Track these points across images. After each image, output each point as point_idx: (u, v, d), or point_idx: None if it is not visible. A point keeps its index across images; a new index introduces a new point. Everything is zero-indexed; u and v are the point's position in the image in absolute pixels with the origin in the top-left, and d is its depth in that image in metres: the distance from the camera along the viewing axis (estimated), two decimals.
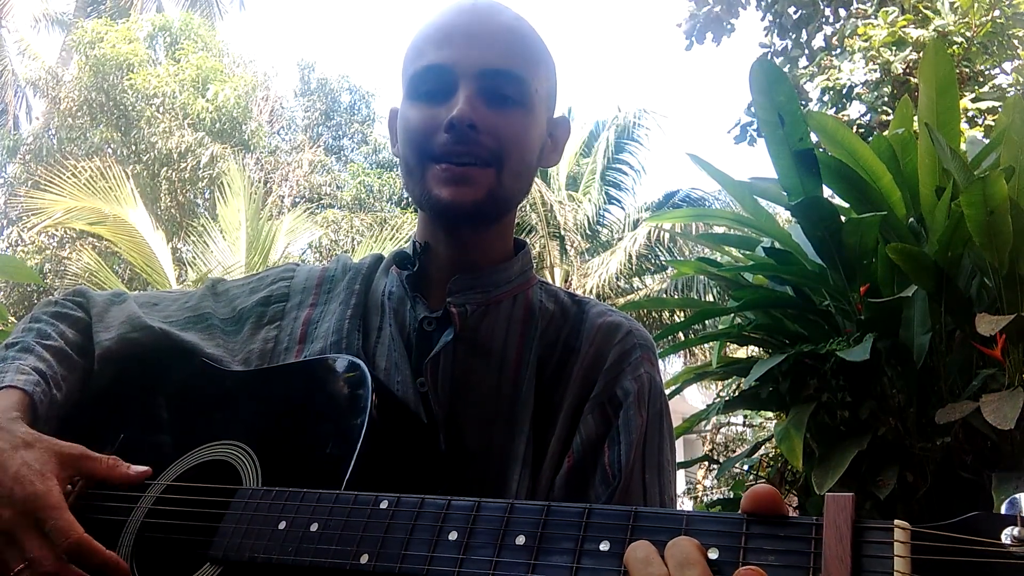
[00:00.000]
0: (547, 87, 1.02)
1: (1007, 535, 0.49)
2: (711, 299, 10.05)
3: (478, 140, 0.93)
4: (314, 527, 0.74)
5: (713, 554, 0.57)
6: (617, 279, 12.62)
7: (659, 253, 12.42)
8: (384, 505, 0.73)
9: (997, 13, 7.29)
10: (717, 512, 0.63)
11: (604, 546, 0.62)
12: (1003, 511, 0.51)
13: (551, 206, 13.08)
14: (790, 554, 0.55)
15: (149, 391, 1.03)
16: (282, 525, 0.76)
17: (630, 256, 12.27)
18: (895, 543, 0.52)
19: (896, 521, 0.53)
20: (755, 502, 0.58)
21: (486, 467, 0.94)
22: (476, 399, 0.97)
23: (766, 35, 10.37)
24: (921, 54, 6.95)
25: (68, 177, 9.81)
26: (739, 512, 0.59)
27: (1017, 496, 0.51)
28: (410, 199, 1.04)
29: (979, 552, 0.50)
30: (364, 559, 0.70)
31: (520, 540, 0.65)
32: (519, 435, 0.95)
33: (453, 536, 0.67)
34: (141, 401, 1.03)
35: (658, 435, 0.96)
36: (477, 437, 0.95)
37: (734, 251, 3.84)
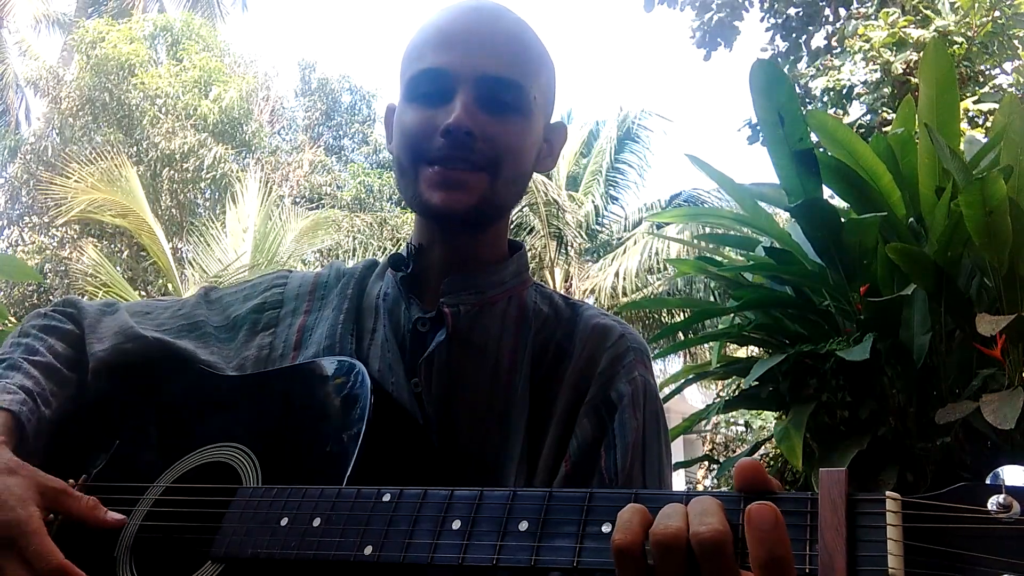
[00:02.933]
0: (546, 93, 1.02)
1: (993, 503, 0.52)
2: (712, 301, 10.04)
3: (474, 147, 0.92)
4: (316, 522, 0.74)
5: None
6: (625, 281, 12.62)
7: (660, 259, 12.41)
8: (387, 498, 0.73)
9: (997, 14, 7.30)
10: (716, 491, 0.65)
11: (606, 528, 0.63)
12: (988, 482, 0.54)
13: (552, 206, 13.09)
14: (788, 527, 0.57)
15: (144, 398, 1.03)
16: (284, 521, 0.76)
17: (628, 269, 12.30)
18: (887, 513, 0.54)
19: (888, 492, 0.55)
20: (745, 477, 0.60)
21: (481, 466, 0.94)
22: (470, 398, 0.97)
23: (768, 35, 10.38)
24: (921, 54, 6.97)
25: (74, 180, 9.83)
26: (734, 491, 0.61)
27: (1000, 469, 0.54)
28: (403, 198, 1.04)
29: (967, 519, 0.52)
30: (368, 551, 0.70)
31: (523, 526, 0.66)
32: (514, 434, 0.95)
33: (456, 525, 0.68)
34: (136, 408, 1.03)
35: (655, 437, 0.96)
36: (471, 436, 0.95)
37: (734, 252, 3.84)
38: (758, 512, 0.56)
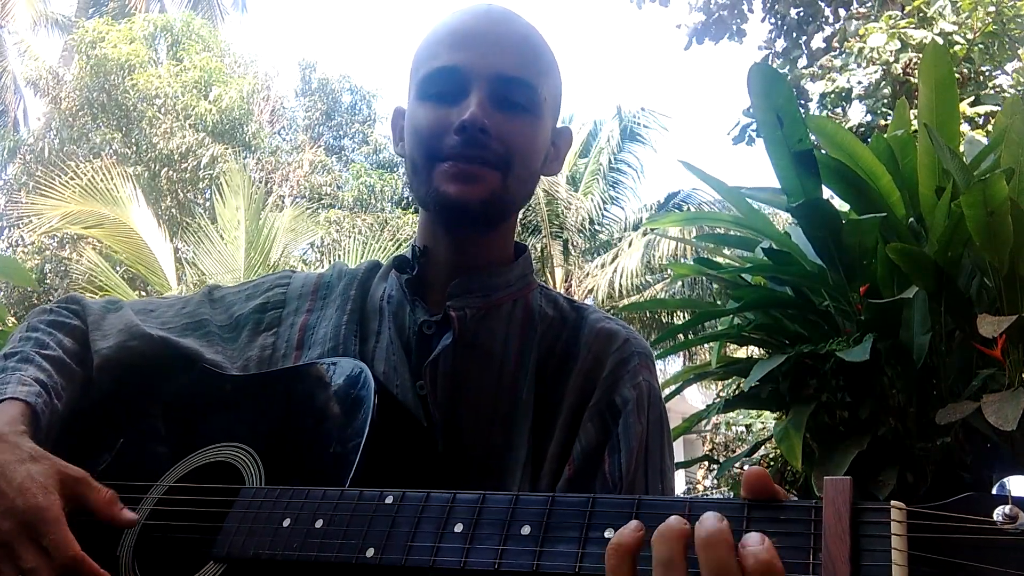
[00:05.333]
0: (554, 96, 1.03)
1: (999, 513, 0.52)
2: (712, 302, 10.03)
3: (488, 144, 0.93)
4: (319, 523, 0.74)
5: None
6: (624, 279, 12.63)
7: (659, 258, 12.41)
8: (389, 500, 0.73)
9: (1000, 18, 7.30)
10: (719, 498, 0.65)
11: (609, 533, 0.63)
12: (994, 492, 0.54)
13: (554, 205, 13.10)
14: (791, 535, 0.57)
15: (149, 397, 1.03)
16: (286, 522, 0.76)
17: (632, 267, 12.32)
18: (892, 522, 0.54)
19: (892, 502, 0.55)
20: (752, 486, 0.60)
21: (485, 470, 0.94)
22: (475, 402, 0.97)
23: (769, 36, 10.39)
24: (921, 55, 6.96)
25: (68, 180, 9.82)
26: (740, 498, 0.61)
27: (1007, 478, 0.55)
28: (413, 198, 1.04)
29: (972, 529, 0.52)
30: (370, 553, 0.70)
31: (526, 530, 0.66)
32: (518, 438, 0.95)
33: (459, 528, 0.68)
34: (140, 406, 1.03)
35: (658, 442, 0.96)
36: (476, 440, 0.96)
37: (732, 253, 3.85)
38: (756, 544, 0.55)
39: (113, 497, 0.85)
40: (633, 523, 0.60)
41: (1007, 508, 0.52)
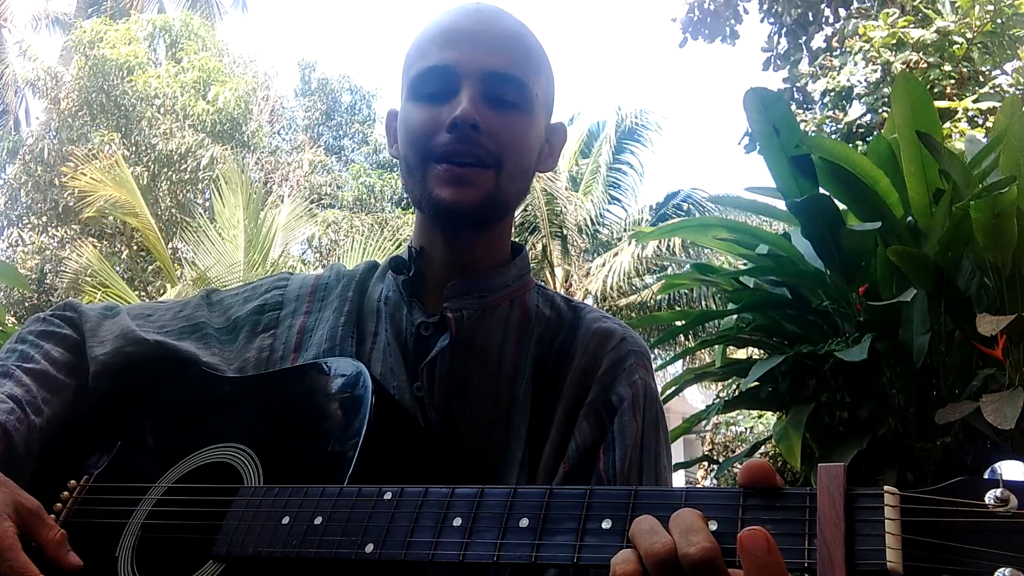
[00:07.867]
0: (546, 93, 1.03)
1: (990, 497, 0.53)
2: (710, 306, 10.05)
3: (479, 141, 0.93)
4: (318, 520, 0.75)
5: (713, 526, 0.59)
6: (619, 278, 12.64)
7: (660, 253, 12.43)
8: (388, 496, 0.73)
9: (999, 20, 7.30)
10: (714, 488, 0.65)
11: (606, 524, 0.63)
12: (986, 476, 0.55)
13: (553, 205, 13.11)
14: (787, 522, 0.58)
15: (146, 400, 1.03)
16: (285, 520, 0.76)
17: (628, 267, 12.33)
18: (886, 507, 0.55)
19: (886, 487, 0.56)
20: (750, 475, 0.60)
21: (483, 470, 0.94)
22: (472, 403, 0.97)
23: (769, 37, 10.40)
24: (921, 54, 6.98)
25: (89, 178, 9.88)
26: (736, 486, 0.61)
27: (997, 464, 0.55)
28: (409, 199, 1.04)
29: (965, 513, 0.53)
30: (369, 548, 0.71)
31: (524, 522, 0.66)
32: (515, 439, 0.95)
33: (457, 522, 0.69)
34: (138, 410, 1.03)
35: (654, 441, 0.96)
36: (473, 441, 0.96)
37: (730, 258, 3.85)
38: (750, 539, 0.56)
39: (62, 537, 0.83)
40: (623, 553, 0.60)
41: (998, 491, 0.52)
